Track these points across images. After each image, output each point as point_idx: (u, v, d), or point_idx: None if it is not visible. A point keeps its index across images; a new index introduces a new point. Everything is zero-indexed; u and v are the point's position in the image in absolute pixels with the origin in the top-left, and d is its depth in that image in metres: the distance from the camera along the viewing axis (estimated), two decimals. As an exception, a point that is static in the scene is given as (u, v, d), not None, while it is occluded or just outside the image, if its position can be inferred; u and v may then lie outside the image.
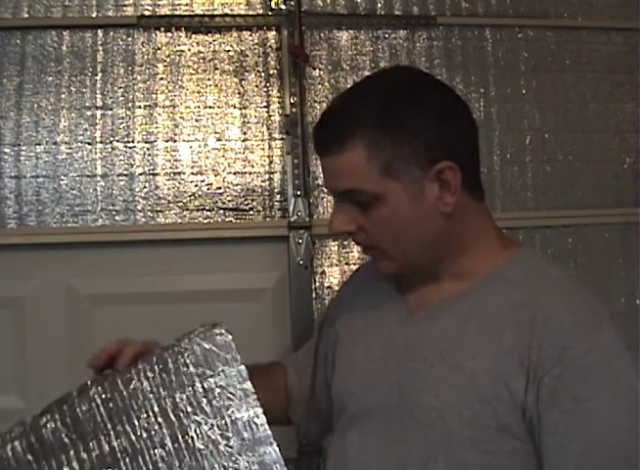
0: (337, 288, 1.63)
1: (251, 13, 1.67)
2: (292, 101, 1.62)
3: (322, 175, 0.95)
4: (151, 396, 0.83)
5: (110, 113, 1.62)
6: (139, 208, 1.61)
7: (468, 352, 0.87)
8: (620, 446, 0.79)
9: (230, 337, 0.86)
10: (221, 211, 1.64)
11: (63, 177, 1.60)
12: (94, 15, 1.62)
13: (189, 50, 1.65)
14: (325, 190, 1.57)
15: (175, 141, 1.63)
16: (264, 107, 1.66)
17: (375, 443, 0.93)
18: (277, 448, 0.79)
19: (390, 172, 0.85)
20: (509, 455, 0.84)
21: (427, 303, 0.94)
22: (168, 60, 1.65)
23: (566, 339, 0.82)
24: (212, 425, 0.81)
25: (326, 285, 1.64)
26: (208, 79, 1.65)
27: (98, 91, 1.62)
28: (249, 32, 1.67)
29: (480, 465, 0.84)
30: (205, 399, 0.82)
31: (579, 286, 0.96)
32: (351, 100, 0.91)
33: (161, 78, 1.64)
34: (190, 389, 0.83)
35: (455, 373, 0.86)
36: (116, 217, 1.60)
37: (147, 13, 1.64)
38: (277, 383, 1.18)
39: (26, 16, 1.60)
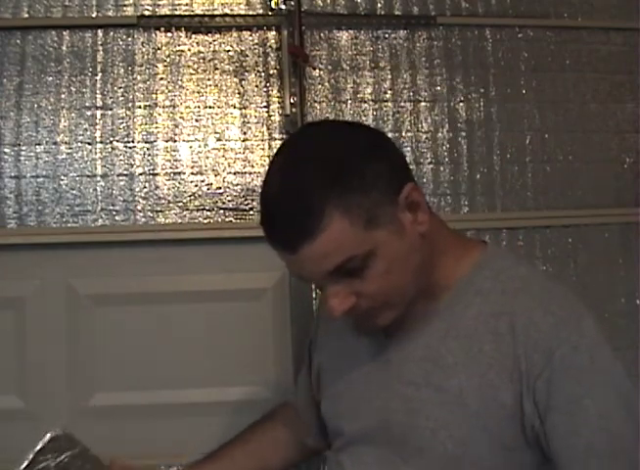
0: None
1: (251, 13, 1.67)
2: (292, 101, 1.62)
3: (292, 271, 0.89)
4: None
5: (110, 113, 1.62)
6: (139, 208, 1.61)
7: (452, 370, 0.87)
8: (621, 438, 0.80)
9: None
10: (221, 211, 1.64)
11: (63, 177, 1.60)
12: (94, 15, 1.62)
13: (189, 50, 1.65)
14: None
15: (175, 141, 1.63)
16: (264, 107, 1.66)
17: (357, 466, 0.93)
18: None
19: (373, 222, 0.82)
20: (503, 467, 0.85)
21: (401, 323, 0.92)
22: (168, 60, 1.65)
23: (549, 341, 0.82)
24: None
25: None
26: (208, 79, 1.65)
27: (98, 91, 1.62)
28: (249, 32, 1.67)
29: None
30: None
31: (550, 282, 0.93)
32: (294, 181, 0.83)
33: (161, 78, 1.64)
34: None
35: (442, 394, 0.86)
36: (116, 217, 1.60)
37: (147, 13, 1.64)
38: (279, 426, 1.20)
39: (26, 16, 1.60)
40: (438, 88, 1.73)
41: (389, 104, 1.70)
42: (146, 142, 1.62)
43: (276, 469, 1.18)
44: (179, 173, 1.63)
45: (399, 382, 0.91)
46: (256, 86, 1.67)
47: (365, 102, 1.69)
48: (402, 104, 1.71)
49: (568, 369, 0.81)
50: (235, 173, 1.64)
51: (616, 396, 0.82)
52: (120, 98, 1.62)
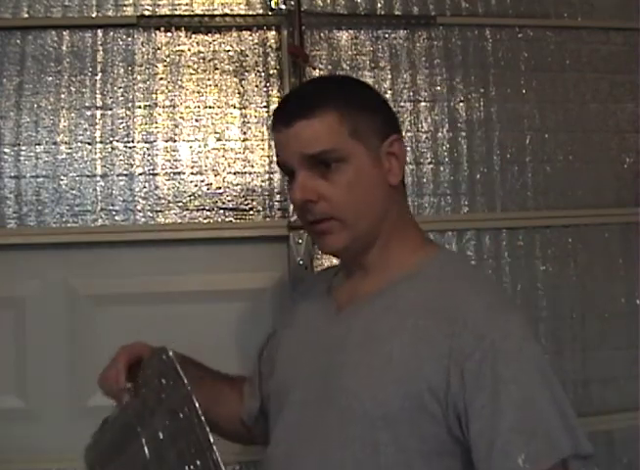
0: (337, 288, 1.64)
1: (251, 13, 1.67)
2: (292, 101, 1.62)
3: (280, 151, 0.99)
4: None
5: (110, 113, 1.62)
6: (139, 208, 1.61)
7: (385, 339, 0.93)
8: (543, 421, 0.84)
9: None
10: (221, 211, 1.64)
11: (63, 177, 1.60)
12: (94, 15, 1.62)
13: (189, 50, 1.65)
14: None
15: (175, 141, 1.63)
16: (264, 107, 1.65)
17: (298, 431, 0.98)
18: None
19: (357, 135, 0.95)
20: (421, 439, 0.88)
21: (353, 299, 1.01)
22: (168, 60, 1.64)
23: (482, 326, 0.88)
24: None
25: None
26: (208, 79, 1.65)
27: (98, 91, 1.62)
28: (249, 32, 1.67)
29: (393, 446, 0.89)
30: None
31: (488, 278, 1.08)
32: (316, 84, 1.08)
33: (161, 78, 1.64)
34: None
35: (373, 357, 0.92)
36: (116, 217, 1.60)
37: (147, 13, 1.64)
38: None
39: (26, 16, 1.60)
40: (438, 88, 1.73)
41: (390, 104, 1.70)
42: (146, 142, 1.62)
43: (218, 417, 1.17)
44: (179, 173, 1.63)
45: (339, 351, 0.96)
46: (256, 86, 1.67)
47: (365, 102, 1.69)
48: (402, 104, 1.71)
49: (497, 353, 0.86)
50: (235, 173, 1.64)
51: (541, 381, 0.87)
52: (120, 98, 1.62)
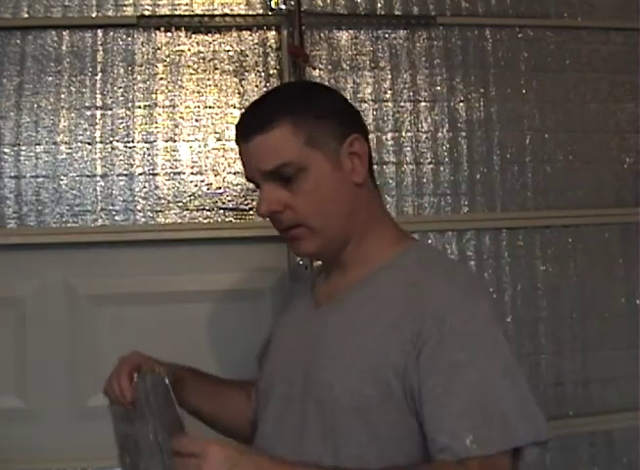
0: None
1: (251, 13, 1.67)
2: (292, 101, 1.62)
3: (243, 165, 1.00)
4: None
5: (110, 113, 1.62)
6: (139, 208, 1.61)
7: (360, 329, 0.95)
8: (498, 406, 0.84)
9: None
10: (221, 211, 1.64)
11: (63, 177, 1.60)
12: (94, 15, 1.62)
13: (189, 50, 1.65)
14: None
15: (175, 141, 1.63)
16: (264, 107, 1.65)
17: (280, 425, 1.01)
18: None
19: (313, 142, 0.96)
20: (392, 425, 0.89)
21: (333, 295, 1.03)
22: (168, 60, 1.64)
23: (444, 310, 0.89)
24: None
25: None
26: (208, 79, 1.65)
27: (98, 91, 1.62)
28: (249, 32, 1.67)
29: (365, 434, 0.90)
30: None
31: (463, 268, 1.09)
32: (269, 95, 1.07)
33: (161, 78, 1.64)
34: None
35: (346, 349, 0.95)
36: (116, 217, 1.60)
37: (147, 13, 1.64)
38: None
39: (26, 16, 1.60)
40: (438, 88, 1.73)
41: (389, 104, 1.70)
42: (146, 142, 1.62)
43: (223, 423, 1.21)
44: (179, 173, 1.63)
45: (317, 346, 0.99)
46: (256, 86, 1.67)
47: (365, 102, 1.69)
48: (402, 104, 1.71)
49: (455, 336, 0.86)
50: (235, 173, 1.64)
51: (500, 365, 0.87)
52: (120, 98, 1.62)
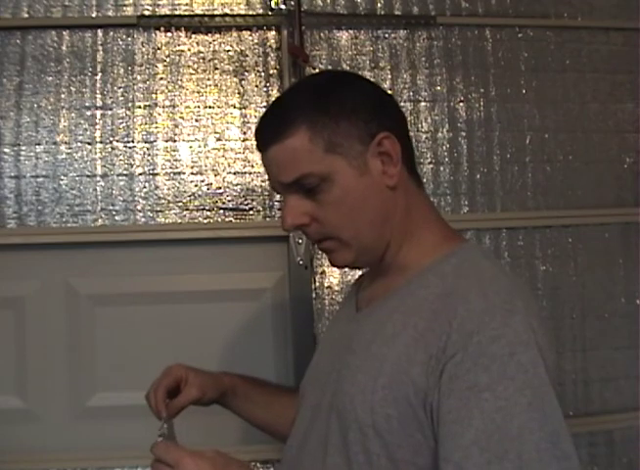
0: (337, 288, 1.64)
1: (251, 13, 1.67)
2: (292, 101, 1.62)
3: (267, 175, 0.94)
4: None
5: (110, 113, 1.62)
6: (139, 208, 1.61)
7: (387, 340, 0.86)
8: (516, 442, 0.73)
9: None
10: (221, 211, 1.64)
11: (63, 177, 1.60)
12: (94, 15, 1.62)
13: (189, 50, 1.65)
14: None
15: (175, 141, 1.63)
16: (264, 107, 1.65)
17: (305, 434, 0.96)
18: None
19: (334, 148, 0.87)
20: (414, 451, 0.81)
21: (374, 299, 0.96)
22: (168, 60, 1.64)
23: (473, 324, 0.78)
24: None
25: (326, 285, 1.64)
26: (208, 79, 1.65)
27: (98, 91, 1.62)
28: (249, 32, 1.67)
29: (385, 457, 0.82)
30: None
31: (504, 275, 0.90)
32: (287, 95, 0.99)
33: (161, 78, 1.64)
34: None
35: (371, 360, 0.87)
36: (116, 217, 1.60)
37: (147, 13, 1.64)
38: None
39: (26, 16, 1.60)
40: (438, 88, 1.73)
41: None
42: (146, 142, 1.62)
43: (278, 431, 1.18)
44: (179, 173, 1.63)
45: (347, 352, 0.92)
46: (256, 86, 1.67)
47: (365, 102, 1.68)
48: (402, 104, 1.71)
49: (480, 356, 0.76)
50: (235, 173, 1.64)
51: (526, 398, 0.74)
52: (120, 98, 1.62)
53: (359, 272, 1.18)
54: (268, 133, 0.90)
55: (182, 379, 1.08)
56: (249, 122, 1.65)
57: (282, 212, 0.93)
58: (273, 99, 1.64)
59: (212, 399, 1.11)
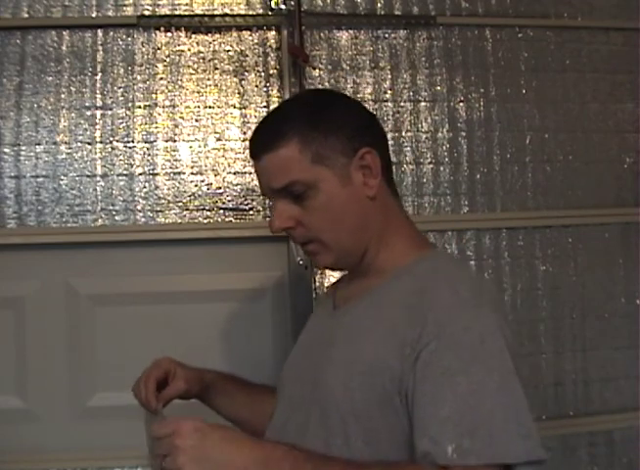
0: (337, 288, 1.64)
1: (251, 13, 1.67)
2: (292, 101, 1.62)
3: (258, 180, 1.02)
4: None
5: (110, 113, 1.62)
6: (139, 208, 1.61)
7: (363, 333, 0.95)
8: (486, 418, 0.80)
9: None
10: (221, 211, 1.64)
11: (63, 177, 1.60)
12: (94, 15, 1.62)
13: (189, 50, 1.65)
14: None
15: (175, 141, 1.63)
16: (264, 107, 1.66)
17: (286, 425, 1.01)
18: None
19: (321, 160, 0.97)
20: (390, 431, 0.88)
21: (351, 298, 1.04)
22: (168, 60, 1.64)
23: (445, 317, 0.87)
24: None
25: (326, 285, 1.64)
26: (208, 79, 1.65)
27: (98, 91, 1.62)
28: (249, 32, 1.67)
29: (361, 440, 0.90)
30: None
31: (474, 277, 1.07)
32: (280, 110, 1.08)
33: (161, 78, 1.64)
34: None
35: (349, 353, 0.95)
36: (116, 217, 1.60)
37: (147, 13, 1.64)
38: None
39: (26, 16, 1.60)
40: (438, 88, 1.73)
41: (389, 104, 1.70)
42: (146, 142, 1.62)
43: (256, 427, 1.19)
44: (179, 173, 1.63)
45: (328, 347, 0.99)
46: (256, 86, 1.67)
47: (365, 102, 1.68)
48: (402, 104, 1.71)
49: (453, 344, 0.85)
50: (235, 173, 1.64)
51: (494, 379, 0.83)
52: (120, 98, 1.62)
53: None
54: (262, 143, 0.99)
55: (171, 371, 1.13)
56: (249, 122, 1.65)
57: (271, 216, 1.01)
58: (273, 99, 1.66)
59: (195, 393, 1.16)
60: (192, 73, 1.65)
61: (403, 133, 1.70)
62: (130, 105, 1.63)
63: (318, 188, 0.96)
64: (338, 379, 0.93)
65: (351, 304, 1.03)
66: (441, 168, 1.71)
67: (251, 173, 1.64)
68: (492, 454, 0.79)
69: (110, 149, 1.61)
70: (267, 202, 1.64)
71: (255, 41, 1.67)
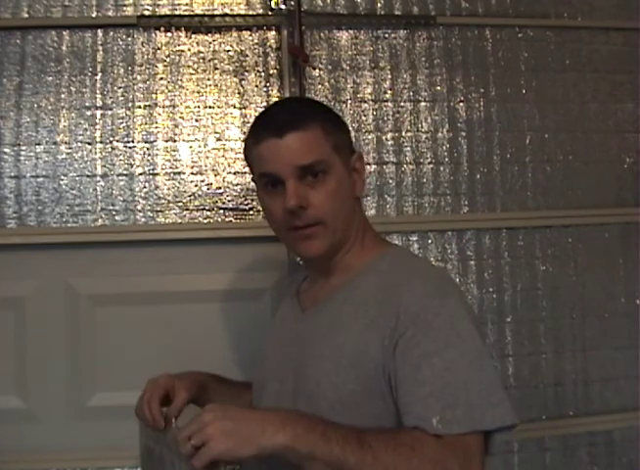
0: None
1: (251, 13, 1.67)
2: (292, 101, 1.62)
3: (267, 162, 1.02)
4: None
5: (110, 113, 1.62)
6: (139, 208, 1.61)
7: (341, 329, 1.01)
8: (463, 391, 0.89)
9: None
10: (221, 211, 1.64)
11: (63, 177, 1.60)
12: (94, 15, 1.62)
13: (189, 50, 1.65)
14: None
15: (175, 141, 1.63)
16: (264, 107, 1.65)
17: None
18: None
19: (338, 149, 1.05)
20: (378, 418, 0.94)
21: (318, 299, 1.10)
22: (168, 60, 1.65)
23: (417, 306, 0.95)
24: None
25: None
26: (208, 79, 1.65)
27: (98, 91, 1.62)
28: (249, 32, 1.67)
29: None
30: None
31: (435, 270, 1.18)
32: (299, 100, 1.19)
33: (161, 78, 1.64)
34: None
35: (330, 348, 1.01)
36: (116, 217, 1.60)
37: (147, 13, 1.64)
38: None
39: (26, 16, 1.60)
40: (438, 88, 1.73)
41: (389, 104, 1.71)
42: (146, 142, 1.62)
43: None
44: (179, 173, 1.63)
45: (304, 345, 1.05)
46: (256, 86, 1.67)
47: (365, 102, 1.69)
48: (402, 104, 1.71)
49: (426, 329, 0.93)
50: (235, 173, 1.64)
51: (466, 357, 0.91)
52: (120, 98, 1.62)
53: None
54: (289, 121, 1.02)
55: (170, 388, 1.14)
56: (249, 122, 1.63)
57: (286, 195, 1.01)
58: (273, 99, 1.66)
59: (196, 397, 1.18)
60: (192, 73, 1.65)
61: (403, 133, 1.70)
62: (130, 105, 1.63)
63: (332, 174, 1.03)
64: (322, 371, 0.99)
65: (322, 302, 1.08)
66: (441, 168, 1.71)
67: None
68: (471, 423, 0.87)
69: (110, 149, 1.61)
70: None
71: (255, 41, 1.67)
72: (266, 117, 1.08)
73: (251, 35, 1.67)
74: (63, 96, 1.61)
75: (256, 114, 1.63)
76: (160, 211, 1.62)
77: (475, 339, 0.94)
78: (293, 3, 1.62)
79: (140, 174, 1.62)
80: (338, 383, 0.97)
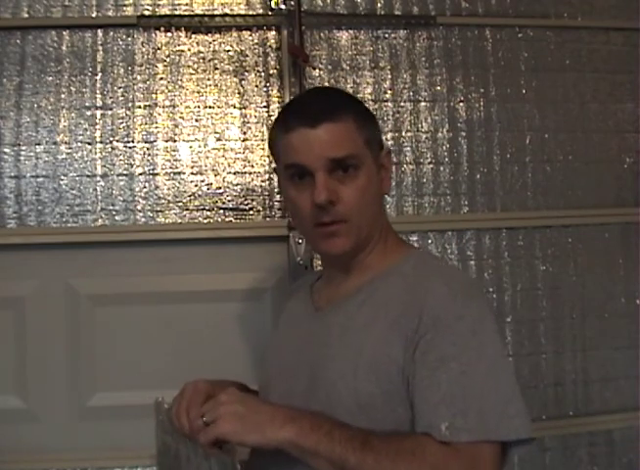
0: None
1: (251, 13, 1.67)
2: (292, 101, 1.62)
3: (297, 152, 0.98)
4: None
5: (110, 113, 1.62)
6: (139, 208, 1.61)
7: (359, 330, 0.98)
8: (477, 399, 0.86)
9: None
10: (221, 211, 1.64)
11: (63, 177, 1.60)
12: (94, 15, 1.62)
13: (189, 50, 1.65)
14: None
15: (175, 141, 1.63)
16: (264, 107, 1.66)
17: None
18: None
19: (369, 144, 1.02)
20: (397, 423, 0.92)
21: (334, 299, 1.06)
22: (168, 60, 1.65)
23: (439, 309, 0.92)
24: None
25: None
26: (208, 79, 1.65)
27: (98, 91, 1.62)
28: (249, 32, 1.67)
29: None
30: None
31: (459, 273, 1.17)
32: (328, 90, 1.14)
33: (161, 78, 1.64)
34: None
35: (348, 349, 0.97)
36: (116, 217, 1.60)
37: (147, 13, 1.64)
38: None
39: (26, 16, 1.60)
40: (438, 88, 1.73)
41: (389, 104, 1.71)
42: (146, 142, 1.62)
43: None
44: (179, 173, 1.63)
45: (319, 345, 1.02)
46: (256, 86, 1.67)
47: (365, 102, 1.66)
48: (402, 104, 1.71)
49: (447, 332, 0.90)
50: (235, 173, 1.64)
51: (485, 364, 0.89)
52: (120, 98, 1.62)
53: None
54: (324, 111, 0.98)
55: (211, 395, 1.01)
56: (249, 122, 1.65)
57: (315, 188, 0.97)
58: (273, 99, 1.66)
59: None
60: (192, 73, 1.65)
61: (403, 133, 1.70)
62: (130, 105, 1.63)
63: (363, 169, 1.00)
64: (340, 374, 0.96)
65: (337, 303, 1.04)
66: (441, 168, 1.72)
67: (251, 173, 1.64)
68: (483, 432, 0.85)
69: (110, 149, 1.61)
70: (267, 202, 1.64)
71: (255, 41, 1.67)
72: (298, 105, 1.05)
73: (250, 35, 1.67)
74: (63, 96, 1.61)
75: (256, 114, 1.65)
76: (160, 211, 1.62)
77: (495, 344, 0.92)
78: (293, 3, 1.62)
79: (140, 174, 1.62)
80: (357, 385, 0.94)
